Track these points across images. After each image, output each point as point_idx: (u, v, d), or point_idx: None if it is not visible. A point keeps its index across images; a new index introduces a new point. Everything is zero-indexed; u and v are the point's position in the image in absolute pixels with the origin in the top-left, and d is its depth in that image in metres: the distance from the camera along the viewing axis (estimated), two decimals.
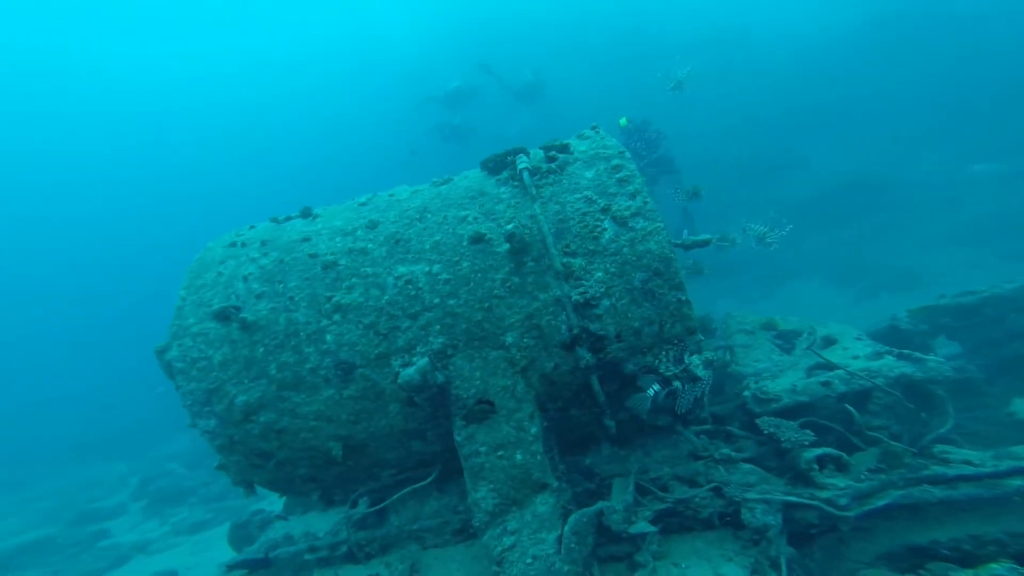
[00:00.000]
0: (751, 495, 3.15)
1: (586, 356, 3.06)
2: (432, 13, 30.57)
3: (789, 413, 3.80)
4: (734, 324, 5.42)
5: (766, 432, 3.53)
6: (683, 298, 3.05)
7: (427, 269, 3.20)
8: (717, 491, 3.29)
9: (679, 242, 3.50)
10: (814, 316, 5.55)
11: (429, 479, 3.45)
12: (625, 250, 3.08)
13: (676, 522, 3.28)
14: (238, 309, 3.13)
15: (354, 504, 3.66)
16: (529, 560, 2.92)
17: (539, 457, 3.12)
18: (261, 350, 3.20)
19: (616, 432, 3.50)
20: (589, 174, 3.34)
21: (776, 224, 3.94)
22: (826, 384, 3.79)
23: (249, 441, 3.25)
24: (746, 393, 3.95)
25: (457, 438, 3.11)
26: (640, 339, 3.09)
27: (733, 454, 3.47)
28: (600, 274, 3.07)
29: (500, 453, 3.08)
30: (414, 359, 3.05)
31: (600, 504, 3.15)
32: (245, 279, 3.37)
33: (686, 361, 3.02)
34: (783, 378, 4.22)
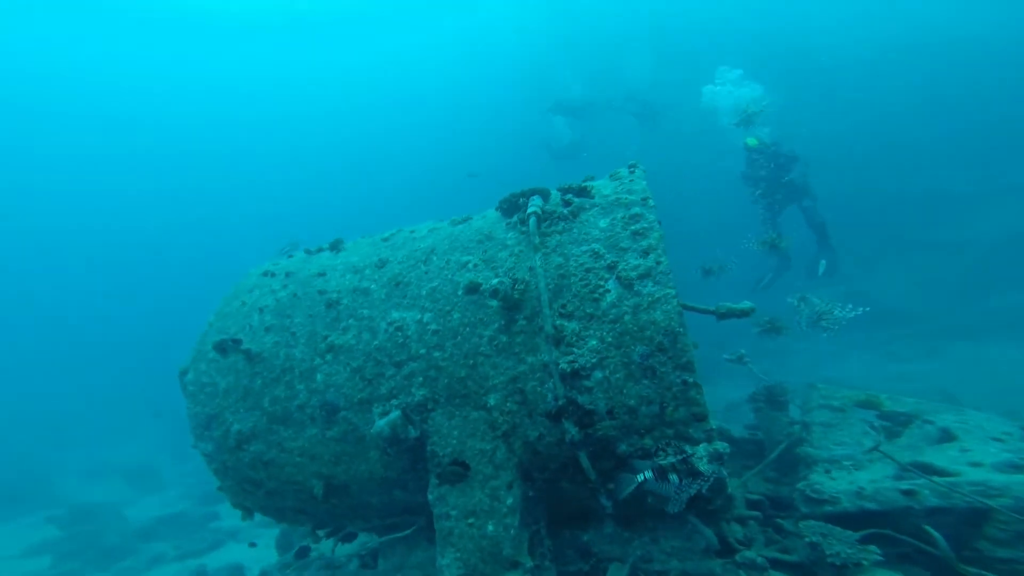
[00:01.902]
0: None
1: (572, 430, 2.73)
2: (544, 20, 30.36)
3: (852, 520, 3.11)
4: (817, 398, 4.65)
5: (807, 540, 2.91)
6: (690, 380, 2.60)
7: (418, 317, 3.07)
8: None
9: (710, 309, 3.03)
10: (987, 389, 4.56)
11: (409, 531, 3.32)
12: (627, 317, 2.70)
13: None
14: (237, 343, 3.24)
15: (347, 539, 3.65)
16: None
17: (513, 531, 2.84)
18: (259, 382, 3.29)
19: (619, 510, 3.11)
20: (603, 223, 2.99)
21: (842, 304, 3.25)
22: (909, 494, 3.03)
23: (240, 469, 3.35)
24: (800, 485, 3.31)
25: (430, 496, 2.94)
26: (636, 419, 2.68)
27: (759, 559, 2.90)
28: (594, 342, 2.72)
29: (470, 520, 2.85)
30: (391, 410, 2.94)
31: None
32: (261, 311, 3.49)
33: (688, 452, 2.57)
34: (863, 472, 3.50)
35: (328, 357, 3.17)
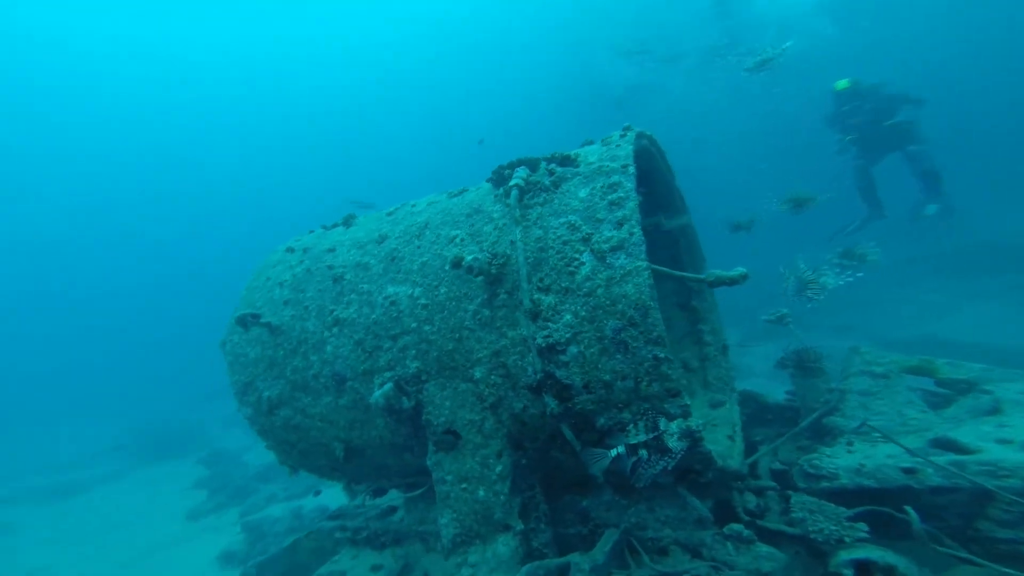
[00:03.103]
0: None
1: (551, 403, 2.77)
2: None
3: (854, 497, 2.95)
4: (858, 363, 4.32)
5: (797, 515, 2.81)
6: (661, 355, 2.53)
7: (410, 292, 3.18)
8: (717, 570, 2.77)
9: (700, 277, 2.88)
10: None
11: (421, 490, 3.55)
12: (600, 291, 2.64)
13: None
14: (256, 317, 3.53)
15: (377, 494, 3.98)
16: None
17: (503, 497, 2.98)
18: (281, 353, 3.58)
19: (613, 480, 3.15)
20: (583, 193, 2.89)
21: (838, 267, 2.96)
22: (910, 472, 2.82)
23: (275, 432, 3.71)
24: (801, 460, 3.16)
25: (428, 462, 3.13)
26: (612, 393, 2.67)
27: (745, 532, 2.84)
28: (569, 316, 2.70)
29: (463, 486, 3.02)
30: (386, 382, 3.11)
31: (568, 557, 2.91)
32: (280, 285, 3.76)
33: (661, 428, 2.54)
34: (886, 447, 3.27)
35: (335, 330, 3.39)
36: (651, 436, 2.51)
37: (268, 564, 4.49)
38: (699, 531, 2.96)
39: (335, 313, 3.41)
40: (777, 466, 3.67)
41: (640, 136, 3.43)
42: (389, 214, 3.79)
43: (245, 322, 3.50)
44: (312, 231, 4.23)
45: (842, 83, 9.57)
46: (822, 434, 3.78)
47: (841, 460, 3.05)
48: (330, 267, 3.59)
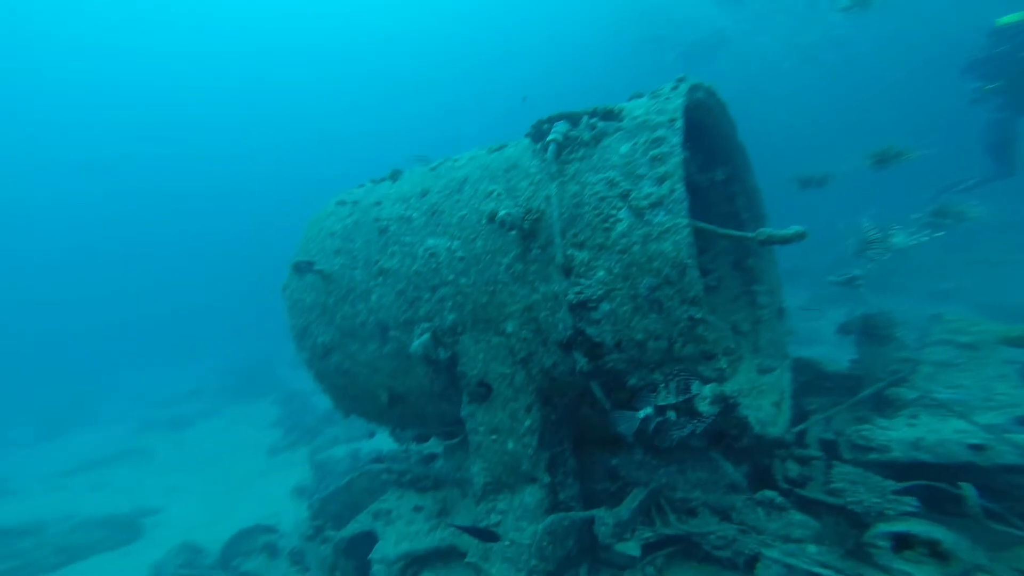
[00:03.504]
0: (771, 552, 2.53)
1: (581, 361, 2.75)
2: None
3: (910, 471, 2.77)
4: (940, 332, 3.98)
5: (838, 486, 2.69)
6: (697, 315, 2.43)
7: (448, 244, 3.20)
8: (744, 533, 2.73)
9: (749, 235, 2.72)
10: None
11: (458, 439, 3.67)
12: (635, 248, 2.55)
13: (682, 550, 2.87)
14: (309, 264, 3.69)
15: (420, 440, 4.16)
16: (507, 543, 2.98)
17: (530, 450, 3.03)
18: (332, 300, 3.74)
19: (641, 439, 3.12)
20: (624, 148, 2.76)
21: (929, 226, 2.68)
22: (978, 448, 2.60)
23: (328, 376, 3.92)
24: (849, 431, 3.00)
25: (462, 412, 3.22)
26: (644, 353, 2.61)
27: (778, 499, 2.76)
28: (602, 273, 2.63)
29: (493, 437, 3.09)
30: (424, 332, 3.19)
31: (594, 512, 2.95)
32: (332, 235, 3.90)
33: (693, 391, 2.47)
34: (955, 422, 3.04)
35: (379, 280, 3.50)
36: (682, 399, 2.45)
37: (329, 499, 4.85)
38: (730, 495, 2.90)
39: (380, 263, 3.51)
40: (829, 436, 3.51)
41: (695, 88, 3.21)
42: (432, 169, 3.81)
43: (300, 269, 3.67)
44: (362, 185, 4.32)
45: (1010, 18, 8.12)
46: (884, 406, 3.56)
47: (896, 432, 2.87)
48: (376, 219, 3.68)
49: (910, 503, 2.42)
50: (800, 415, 3.83)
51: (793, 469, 3.21)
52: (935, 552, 2.36)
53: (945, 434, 2.76)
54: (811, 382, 4.27)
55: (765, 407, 3.43)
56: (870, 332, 3.78)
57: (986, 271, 13.38)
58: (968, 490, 2.42)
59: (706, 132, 3.90)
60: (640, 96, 3.29)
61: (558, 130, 2.98)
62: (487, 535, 2.96)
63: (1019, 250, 14.21)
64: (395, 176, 4.04)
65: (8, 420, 21.18)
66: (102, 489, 12.20)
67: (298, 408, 14.22)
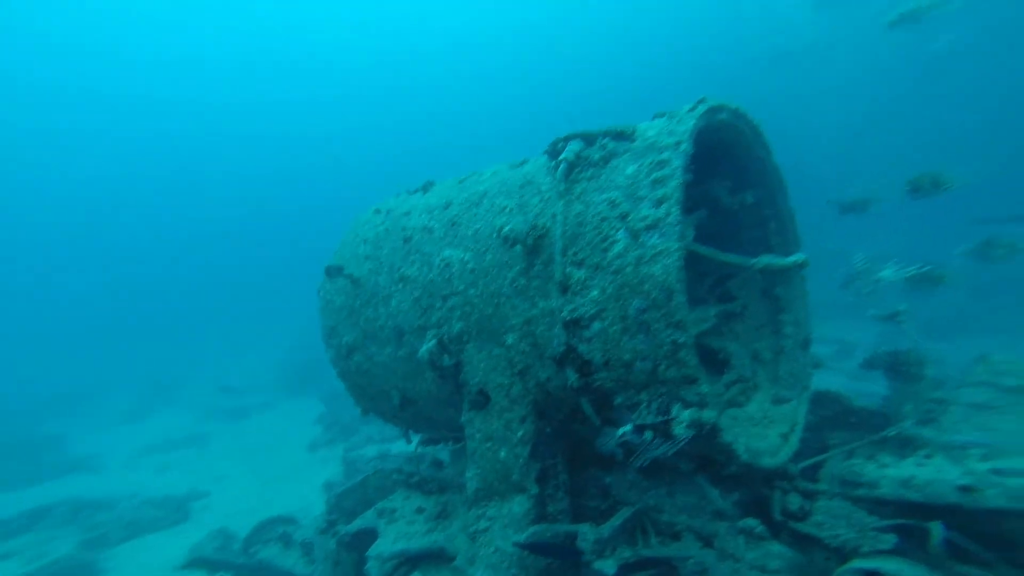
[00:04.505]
0: None
1: (572, 377, 2.82)
2: None
3: (901, 510, 2.66)
4: (981, 372, 3.78)
5: (818, 519, 2.62)
6: (680, 340, 2.45)
7: (462, 256, 3.35)
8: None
9: (749, 261, 2.71)
10: None
11: (463, 444, 3.78)
12: (628, 269, 2.60)
13: (662, 573, 2.86)
14: (339, 268, 3.94)
15: (430, 443, 4.31)
16: (492, 549, 3.07)
17: (522, 460, 3.11)
18: (359, 302, 3.97)
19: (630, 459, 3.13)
20: (631, 169, 2.82)
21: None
22: (966, 489, 2.47)
23: (351, 374, 4.15)
24: (842, 466, 2.90)
25: (462, 418, 3.34)
26: (631, 373, 2.65)
27: (758, 528, 2.70)
28: (596, 292, 2.70)
29: (488, 444, 3.19)
30: (432, 339, 3.35)
31: (578, 526, 2.99)
32: (364, 242, 4.14)
33: (672, 414, 2.48)
34: (968, 464, 2.89)
35: (400, 286, 3.69)
36: (659, 420, 2.47)
37: (344, 495, 5.08)
38: (715, 522, 2.86)
39: (401, 270, 3.71)
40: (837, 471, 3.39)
41: (715, 110, 3.21)
42: (460, 181, 3.98)
43: (331, 272, 3.94)
44: (398, 195, 4.56)
45: None
46: (904, 445, 3.41)
47: (894, 470, 2.76)
48: (403, 228, 3.89)
49: (887, 541, 2.34)
50: (821, 449, 3.71)
51: (794, 502, 3.13)
52: None
53: (938, 474, 2.64)
54: (837, 416, 4.11)
55: (771, 437, 3.36)
56: (897, 369, 3.62)
57: None
58: (935, 529, 2.32)
59: (736, 154, 3.88)
60: (662, 116, 3.33)
61: (571, 149, 3.07)
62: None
63: None
64: (427, 187, 4.25)
65: (101, 403, 23.33)
66: (166, 471, 13.34)
67: (339, 406, 14.82)
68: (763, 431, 3.44)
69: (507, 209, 3.25)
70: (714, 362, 4.28)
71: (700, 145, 3.48)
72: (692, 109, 3.06)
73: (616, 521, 2.95)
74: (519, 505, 3.07)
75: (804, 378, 3.88)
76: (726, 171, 4.00)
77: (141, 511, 9.99)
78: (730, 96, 3.37)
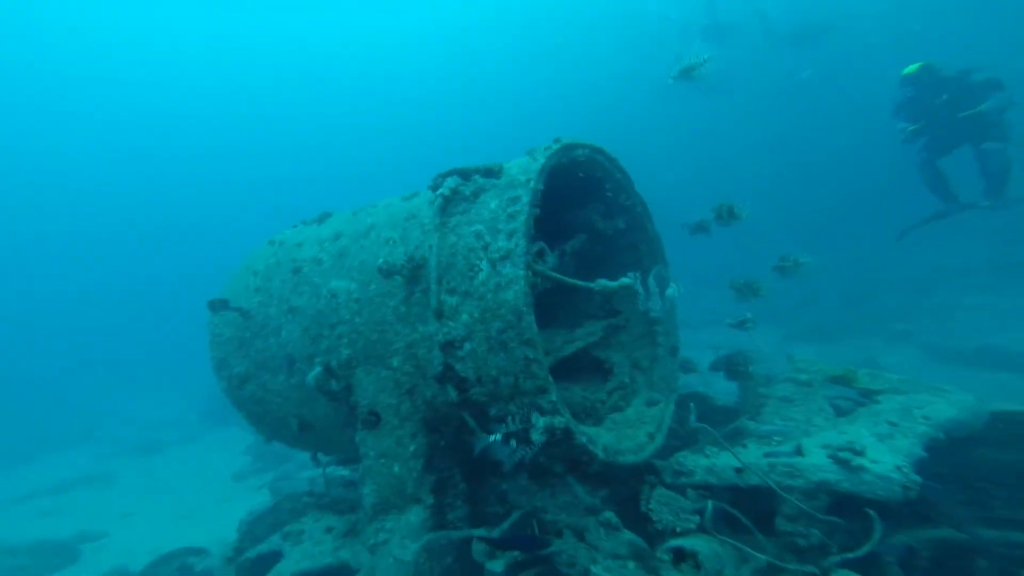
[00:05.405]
0: (596, 568, 2.84)
1: (452, 393, 3.08)
2: None
3: (717, 492, 3.17)
4: (788, 370, 4.43)
5: (653, 507, 3.04)
6: (531, 355, 2.79)
7: (348, 286, 3.56)
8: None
9: (589, 284, 3.09)
10: None
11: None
12: (489, 295, 2.92)
13: (548, 570, 3.17)
14: (224, 302, 4.02)
15: (342, 463, 4.44)
16: (391, 560, 3.26)
17: (415, 473, 3.34)
18: (248, 334, 4.07)
19: (517, 467, 3.42)
20: (494, 204, 3.16)
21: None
22: (739, 471, 3.02)
23: (244, 404, 4.23)
24: (671, 459, 3.37)
25: (356, 438, 3.52)
26: (498, 387, 2.95)
27: (613, 519, 3.08)
28: (466, 316, 2.99)
29: (382, 461, 3.38)
30: (317, 365, 3.52)
31: (473, 531, 3.25)
32: (255, 274, 4.25)
33: (532, 422, 2.80)
34: (763, 448, 3.45)
35: (289, 316, 3.83)
36: (521, 428, 2.77)
37: (257, 521, 5.08)
38: (586, 517, 3.21)
39: (291, 301, 3.85)
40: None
41: (570, 148, 3.60)
42: (354, 213, 4.18)
43: (214, 306, 4.01)
44: (295, 226, 4.69)
45: (911, 67, 9.03)
46: (738, 436, 3.92)
47: (707, 460, 3.27)
48: (293, 260, 4.04)
49: (693, 520, 2.81)
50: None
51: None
52: (696, 563, 2.74)
53: (731, 460, 3.15)
54: (704, 415, 4.61)
55: (638, 436, 3.76)
56: (731, 369, 4.16)
57: (942, 315, 14.11)
58: (708, 506, 2.97)
59: (604, 185, 4.31)
60: (532, 152, 3.70)
61: (447, 185, 3.37)
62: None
63: (974, 294, 14.89)
64: (322, 219, 4.42)
65: None
66: (51, 515, 12.19)
67: None
68: (634, 431, 3.84)
69: (391, 240, 3.50)
70: (601, 371, 4.68)
71: (571, 177, 3.89)
72: (547, 148, 3.44)
73: (506, 524, 3.22)
74: (415, 515, 3.28)
75: (673, 381, 4.34)
76: (600, 200, 4.44)
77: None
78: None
